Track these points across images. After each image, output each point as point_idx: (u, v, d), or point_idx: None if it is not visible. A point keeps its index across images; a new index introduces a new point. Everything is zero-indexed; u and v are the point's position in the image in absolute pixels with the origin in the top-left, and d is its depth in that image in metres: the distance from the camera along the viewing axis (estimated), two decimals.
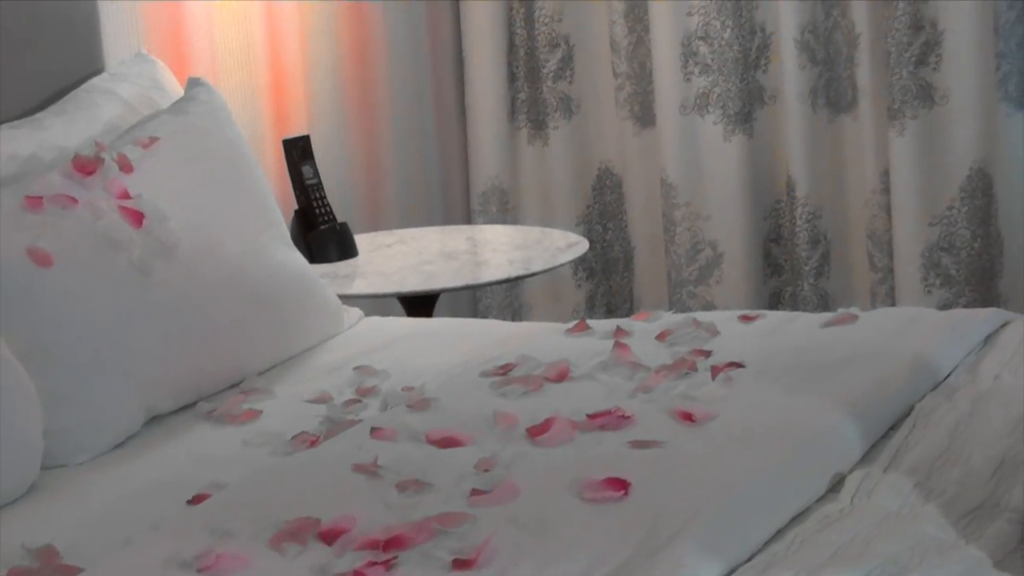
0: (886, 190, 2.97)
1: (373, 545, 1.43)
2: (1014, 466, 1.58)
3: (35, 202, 1.86)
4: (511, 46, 3.20)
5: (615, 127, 3.18)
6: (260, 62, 2.75)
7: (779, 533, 1.48)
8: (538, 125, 3.23)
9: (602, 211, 3.25)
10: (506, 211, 3.21)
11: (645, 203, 3.19)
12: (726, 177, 3.08)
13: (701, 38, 3.06)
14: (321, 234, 2.62)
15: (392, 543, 1.42)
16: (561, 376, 1.86)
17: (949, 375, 1.88)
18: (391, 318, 2.36)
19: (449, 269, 2.59)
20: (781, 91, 3.05)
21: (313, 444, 1.73)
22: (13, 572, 1.48)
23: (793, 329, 2.05)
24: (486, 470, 1.57)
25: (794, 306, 3.08)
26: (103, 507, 1.65)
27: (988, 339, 2.00)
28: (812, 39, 3.00)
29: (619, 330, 2.03)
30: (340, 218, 2.68)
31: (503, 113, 3.19)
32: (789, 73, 3.00)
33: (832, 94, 3.02)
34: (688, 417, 1.69)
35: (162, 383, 1.89)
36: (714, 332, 2.01)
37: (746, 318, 2.10)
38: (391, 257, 2.67)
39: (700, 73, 3.08)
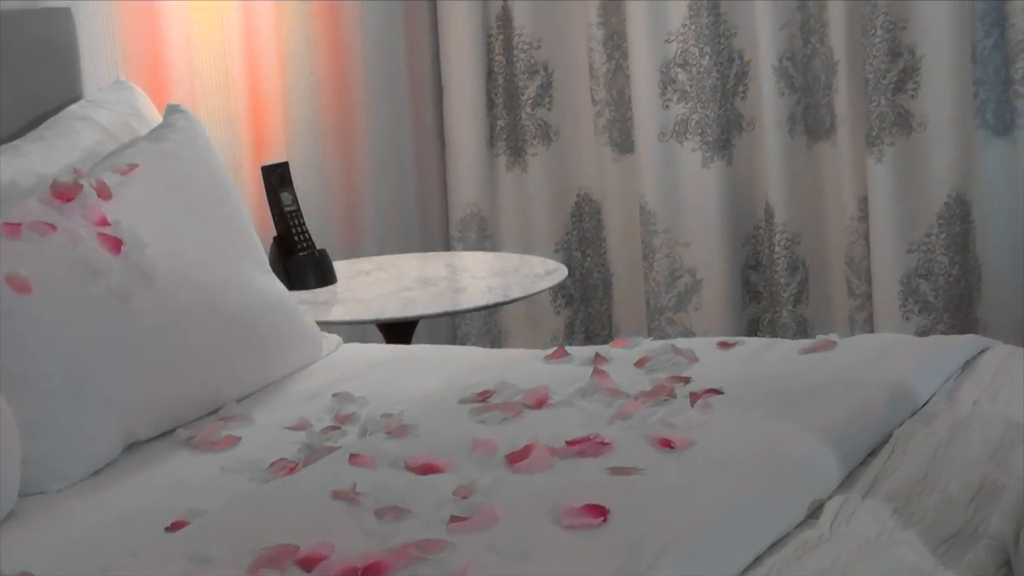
0: (864, 217, 2.99)
1: (352, 572, 1.43)
2: (992, 492, 1.59)
3: (13, 229, 1.86)
4: (490, 73, 3.22)
5: (594, 154, 3.20)
6: (238, 89, 2.76)
7: (758, 560, 1.49)
8: (517, 152, 3.24)
9: (581, 238, 3.27)
10: (485, 238, 3.22)
11: (624, 230, 3.20)
12: (705, 204, 3.10)
13: (680, 65, 3.08)
14: (300, 260, 2.63)
15: (371, 570, 1.43)
16: (540, 403, 1.87)
17: (927, 402, 1.89)
18: (370, 345, 2.37)
19: (427, 296, 2.59)
20: (759, 118, 3.07)
21: (292, 471, 1.73)
22: None
23: (772, 356, 2.06)
24: (465, 497, 1.57)
25: (773, 333, 3.09)
26: (81, 534, 1.65)
27: (966, 366, 2.01)
28: (790, 66, 3.02)
29: (598, 357, 2.04)
30: (319, 245, 2.69)
31: (482, 140, 3.21)
32: (767, 100, 3.02)
33: (810, 121, 3.05)
34: (667, 444, 1.70)
35: (140, 410, 1.89)
36: (693, 359, 2.02)
37: (725, 345, 2.11)
38: (370, 284, 2.68)
39: (679, 100, 3.09)
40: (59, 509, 1.74)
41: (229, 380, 2.01)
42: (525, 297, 2.63)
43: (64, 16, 2.35)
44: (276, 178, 2.65)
